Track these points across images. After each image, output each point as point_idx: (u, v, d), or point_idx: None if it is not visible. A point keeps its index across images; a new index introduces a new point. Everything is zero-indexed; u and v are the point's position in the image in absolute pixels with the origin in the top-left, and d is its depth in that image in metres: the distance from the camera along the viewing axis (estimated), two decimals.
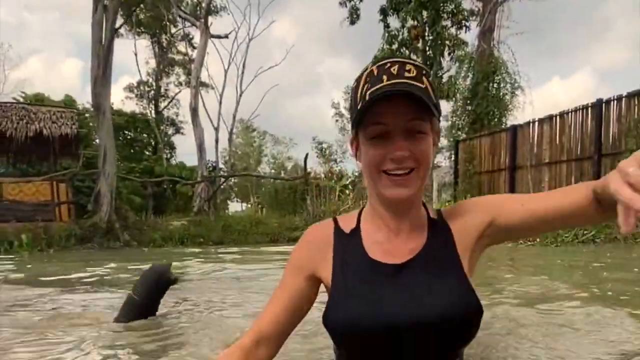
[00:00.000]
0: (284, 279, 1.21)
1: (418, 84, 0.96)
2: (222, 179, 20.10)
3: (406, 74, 0.96)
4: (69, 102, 25.86)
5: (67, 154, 18.14)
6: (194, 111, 19.78)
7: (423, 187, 1.08)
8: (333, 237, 1.17)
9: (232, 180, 26.21)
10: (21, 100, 25.04)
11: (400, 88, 0.95)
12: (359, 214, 1.22)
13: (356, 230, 1.16)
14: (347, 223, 1.20)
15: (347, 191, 20.65)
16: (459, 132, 18.01)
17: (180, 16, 20.29)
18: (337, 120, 37.10)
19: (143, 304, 3.00)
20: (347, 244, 1.14)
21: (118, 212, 16.84)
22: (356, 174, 23.94)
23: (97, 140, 16.48)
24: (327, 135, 57.18)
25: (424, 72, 1.02)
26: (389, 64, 0.99)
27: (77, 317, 3.35)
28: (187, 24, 22.68)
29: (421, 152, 1.01)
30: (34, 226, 15.02)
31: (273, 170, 45.17)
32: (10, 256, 12.35)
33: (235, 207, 38.38)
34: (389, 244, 1.11)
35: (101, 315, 3.33)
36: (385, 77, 0.97)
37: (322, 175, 21.89)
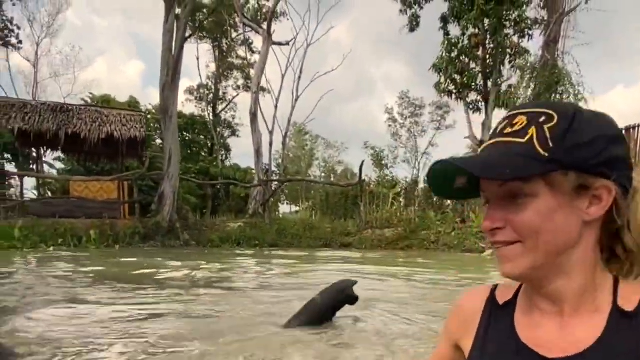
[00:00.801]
0: (439, 337, 1.08)
1: (516, 139, 0.80)
2: (280, 183, 20.36)
3: (507, 130, 0.82)
4: (132, 104, 27.00)
5: (133, 155, 18.97)
6: (254, 116, 20.28)
7: (552, 262, 0.83)
8: (484, 306, 1.01)
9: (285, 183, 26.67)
10: (89, 101, 26.35)
11: (475, 160, 0.82)
12: (521, 284, 0.99)
13: (510, 304, 0.97)
14: (504, 293, 1.00)
15: (400, 198, 20.57)
16: None
17: (244, 23, 20.85)
18: (389, 126, 36.94)
19: (325, 310, 3.41)
20: (497, 317, 0.97)
21: (179, 213, 17.51)
22: (408, 181, 23.83)
23: (162, 143, 17.11)
24: (378, 140, 56.87)
25: (541, 119, 0.81)
26: (503, 120, 0.85)
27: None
28: (248, 28, 23.26)
29: (521, 221, 0.81)
30: (101, 223, 15.82)
31: (323, 174, 45.41)
32: (85, 253, 12.99)
33: (284, 209, 38.89)
34: (542, 329, 0.89)
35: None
36: (489, 138, 0.85)
37: (375, 182, 21.86)
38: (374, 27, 62.80)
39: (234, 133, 33.54)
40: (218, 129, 31.58)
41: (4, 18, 18.92)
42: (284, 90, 31.39)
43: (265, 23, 20.34)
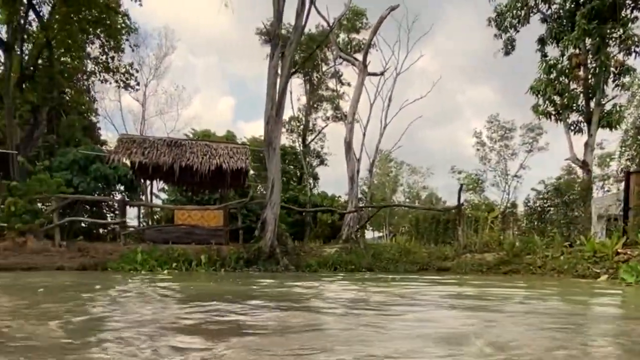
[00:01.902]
0: None
1: None
2: (374, 209, 20.65)
3: None
4: (229, 137, 28.76)
5: (236, 185, 20.02)
6: (348, 145, 20.88)
7: None
8: None
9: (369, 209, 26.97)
10: (191, 135, 28.39)
11: None
12: None
13: None
14: None
15: (497, 222, 20.13)
16: (629, 164, 16.80)
17: (340, 56, 21.77)
18: (477, 150, 36.33)
19: None
20: None
21: (279, 239, 18.20)
22: (505, 204, 23.24)
23: (266, 173, 17.97)
24: (465, 165, 55.99)
25: None
26: None
27: None
28: (338, 61, 24.24)
29: None
30: (209, 249, 16.83)
31: (407, 200, 45.28)
32: (189, 276, 13.75)
33: (368, 235, 39.18)
34: None
35: None
36: None
37: (471, 205, 21.57)
38: (458, 53, 62.58)
39: (322, 162, 34.52)
40: (307, 159, 32.63)
41: (125, 64, 21.03)
42: (371, 119, 32.05)
43: (360, 55, 21.04)
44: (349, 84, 31.21)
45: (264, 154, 25.47)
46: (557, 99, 18.35)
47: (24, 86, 18.43)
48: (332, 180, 60.21)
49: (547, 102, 18.76)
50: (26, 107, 18.33)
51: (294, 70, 17.91)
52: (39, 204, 15.86)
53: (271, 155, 17.09)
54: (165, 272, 14.90)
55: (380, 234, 43.03)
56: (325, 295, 7.96)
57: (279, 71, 15.66)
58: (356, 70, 21.28)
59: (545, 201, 18.35)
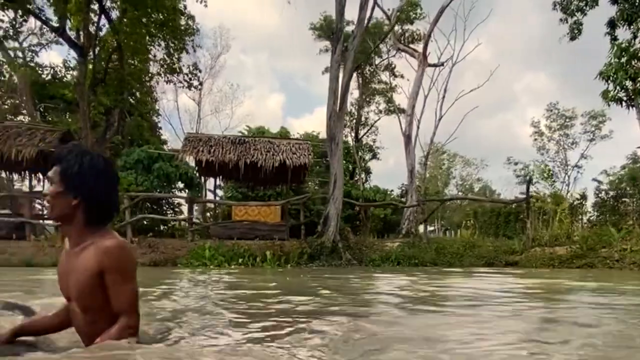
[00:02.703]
0: None
1: None
2: (436, 203, 20.37)
3: None
4: (283, 133, 28.99)
5: (297, 181, 20.15)
6: (408, 138, 20.68)
7: None
8: None
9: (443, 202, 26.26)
10: (246, 132, 28.78)
11: None
12: None
13: None
14: None
15: (566, 214, 19.42)
16: None
17: (399, 48, 21.60)
18: (535, 139, 35.15)
19: None
20: None
21: (341, 233, 18.20)
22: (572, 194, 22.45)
23: (330, 168, 18.00)
24: (521, 155, 54.17)
25: None
26: None
27: None
28: (391, 53, 24.07)
29: None
30: (272, 244, 17.01)
31: (460, 192, 44.44)
32: (250, 270, 13.89)
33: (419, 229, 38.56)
34: None
35: None
36: None
37: (539, 197, 20.88)
38: (512, 39, 60.73)
39: (374, 156, 34.29)
40: (359, 153, 32.49)
41: (188, 64, 21.59)
42: (424, 111, 31.61)
43: (417, 46, 20.78)
44: (402, 76, 30.92)
45: (320, 149, 25.72)
46: (629, 83, 17.48)
47: (96, 89, 19.15)
48: (384, 173, 59.71)
49: (617, 87, 17.93)
50: (98, 110, 19.08)
51: (358, 65, 17.82)
52: None
53: (334, 150, 17.12)
54: (232, 267, 15.20)
55: (432, 228, 42.43)
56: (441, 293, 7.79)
57: (344, 65, 15.60)
58: (410, 63, 21.10)
59: (618, 191, 17.55)
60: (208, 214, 24.11)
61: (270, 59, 67.39)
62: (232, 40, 55.16)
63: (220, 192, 29.32)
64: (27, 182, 19.48)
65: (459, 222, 39.47)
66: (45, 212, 15.84)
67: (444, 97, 28.49)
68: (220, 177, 20.58)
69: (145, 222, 21.66)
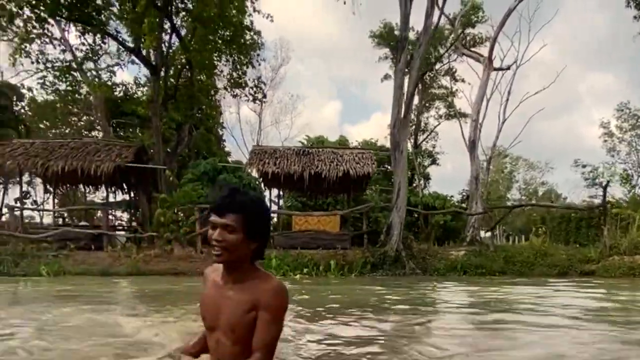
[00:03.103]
0: None
1: None
2: (508, 209, 19.78)
3: None
4: (342, 142, 29.10)
5: (358, 189, 20.10)
6: (473, 143, 20.23)
7: None
8: None
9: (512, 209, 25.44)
10: (305, 142, 29.07)
11: None
12: None
13: None
14: None
15: None
16: None
17: (463, 53, 21.28)
18: (605, 141, 33.44)
19: None
20: None
21: (404, 242, 17.95)
22: None
23: (393, 176, 17.86)
24: (588, 157, 51.29)
25: None
26: None
27: None
28: (452, 58, 23.64)
29: None
30: (335, 253, 16.94)
31: (524, 198, 42.95)
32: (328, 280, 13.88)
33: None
34: None
35: None
36: None
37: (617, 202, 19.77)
38: (576, 39, 58.25)
39: (433, 162, 33.83)
40: (418, 159, 32.10)
41: (254, 77, 22.16)
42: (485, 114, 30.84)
43: (481, 49, 20.37)
44: (463, 80, 30.41)
45: (379, 156, 25.56)
46: None
47: (167, 105, 19.96)
48: (442, 178, 58.49)
49: None
50: (169, 125, 19.88)
51: (423, 72, 17.62)
52: (181, 214, 16.95)
53: (398, 159, 16.97)
54: (297, 276, 15.29)
55: (489, 234, 40.96)
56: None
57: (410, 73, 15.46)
58: (471, 66, 20.60)
59: None
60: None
61: (326, 67, 67.93)
62: (292, 52, 55.57)
63: (280, 202, 29.79)
64: (100, 195, 20.58)
65: (522, 227, 38.05)
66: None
67: (507, 100, 27.69)
68: (284, 187, 20.84)
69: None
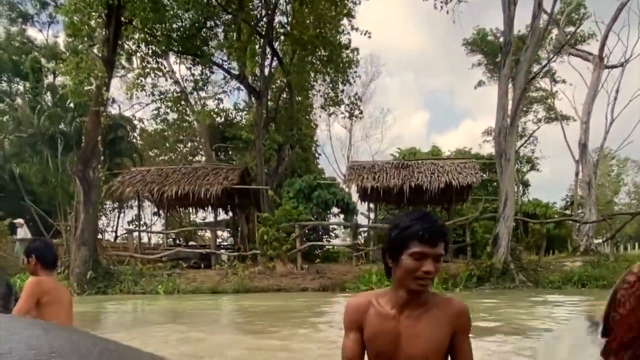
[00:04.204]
0: None
1: None
2: (626, 217, 18.31)
3: None
4: (435, 152, 28.51)
5: (459, 200, 19.59)
6: (584, 147, 19.04)
7: None
8: None
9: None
10: (397, 155, 28.82)
11: None
12: None
13: None
14: None
15: None
16: None
17: (571, 53, 20.21)
18: None
19: None
20: None
21: (512, 253, 17.06)
22: None
23: (500, 185, 17.19)
24: None
25: None
26: None
27: None
28: (555, 59, 22.33)
29: None
30: None
31: (634, 202, 39.59)
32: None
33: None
34: None
35: None
36: None
37: None
38: None
39: (533, 167, 32.17)
40: (516, 165, 30.64)
41: (350, 95, 22.38)
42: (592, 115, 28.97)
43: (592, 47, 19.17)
44: (564, 81, 28.81)
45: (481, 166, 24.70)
46: None
47: (268, 128, 20.68)
48: (540, 184, 55.06)
49: None
50: (271, 147, 20.50)
51: (532, 77, 16.85)
52: (283, 232, 17.31)
53: (504, 167, 16.35)
54: None
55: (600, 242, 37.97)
56: None
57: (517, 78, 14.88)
58: (573, 66, 19.30)
59: None
60: (360, 237, 24.42)
61: (414, 78, 67.38)
62: (383, 66, 55.24)
63: (372, 215, 29.65)
64: (200, 215, 21.50)
65: (633, 234, 34.92)
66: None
67: (615, 98, 25.79)
68: (383, 201, 20.72)
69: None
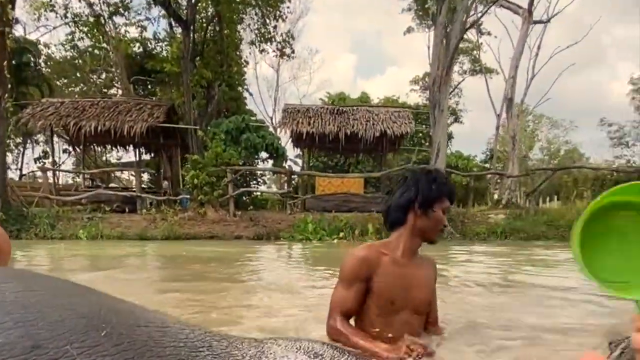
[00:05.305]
0: None
1: None
2: (551, 172, 19.15)
3: None
4: (364, 99, 28.22)
5: (392, 150, 19.52)
6: (510, 101, 19.45)
7: None
8: None
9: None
10: (326, 100, 28.18)
11: None
12: None
13: None
14: None
15: None
16: None
17: (502, 5, 20.11)
18: (633, 98, 32.29)
19: None
20: None
21: None
22: None
23: (432, 137, 17.25)
24: (615, 116, 49.22)
25: None
26: None
27: None
28: (480, 9, 22.26)
29: None
30: (370, 216, 16.44)
31: (546, 157, 42.14)
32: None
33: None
34: None
35: None
36: None
37: None
38: None
39: (456, 120, 32.89)
40: None
41: (282, 32, 21.13)
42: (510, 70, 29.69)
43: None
44: (489, 34, 29.18)
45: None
46: None
47: (196, 62, 19.12)
48: (462, 137, 56.97)
49: None
50: (200, 83, 19.00)
51: (469, 26, 16.63)
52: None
53: (438, 118, 16.31)
54: (335, 241, 14.91)
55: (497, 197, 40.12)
56: None
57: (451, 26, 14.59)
58: (499, 19, 19.39)
59: None
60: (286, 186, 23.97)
61: (342, 18, 65.39)
62: (311, 2, 52.90)
63: (299, 161, 29.14)
64: (116, 155, 20.02)
65: (544, 189, 37.35)
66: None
67: (537, 54, 26.65)
68: (317, 148, 20.23)
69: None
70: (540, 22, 21.28)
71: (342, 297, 2.07)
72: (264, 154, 24.15)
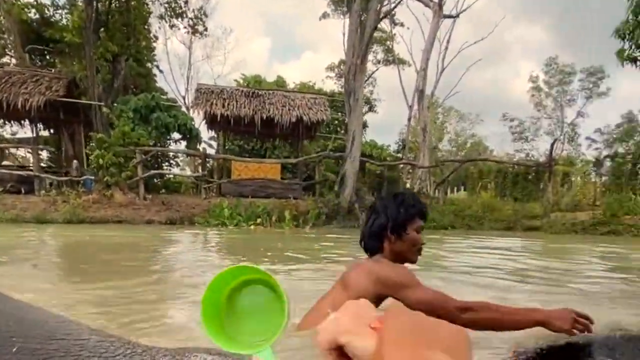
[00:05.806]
0: None
1: None
2: (459, 164, 20.06)
3: None
4: (280, 83, 27.88)
5: (309, 136, 19.46)
6: (421, 93, 20.10)
7: None
8: None
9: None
10: (241, 81, 27.49)
11: None
12: None
13: None
14: None
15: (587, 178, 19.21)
16: None
17: None
18: (532, 95, 34.84)
19: None
20: None
21: (357, 193, 17.67)
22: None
23: (348, 125, 17.36)
24: (517, 111, 52.29)
25: None
26: None
27: None
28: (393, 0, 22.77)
29: None
30: (287, 203, 16.36)
31: (454, 149, 44.22)
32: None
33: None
34: None
35: None
36: None
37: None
38: None
39: (371, 109, 33.46)
40: None
41: (193, 8, 20.05)
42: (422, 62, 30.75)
43: None
44: (402, 25, 29.93)
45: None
46: None
47: (100, 34, 17.66)
48: (375, 127, 58.04)
49: (633, 46, 17.65)
50: (103, 55, 17.58)
51: (383, 15, 16.80)
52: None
53: (353, 106, 16.43)
54: (252, 227, 14.67)
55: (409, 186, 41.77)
56: None
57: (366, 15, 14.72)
58: (411, 10, 19.88)
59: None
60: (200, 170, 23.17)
61: (255, 1, 63.89)
62: None
63: (214, 144, 28.27)
64: (17, 131, 18.25)
65: (451, 180, 39.32)
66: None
67: (446, 48, 27.87)
68: (232, 131, 19.65)
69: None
70: (450, 16, 22.19)
71: (438, 292, 1.92)
72: (176, 135, 23.14)
